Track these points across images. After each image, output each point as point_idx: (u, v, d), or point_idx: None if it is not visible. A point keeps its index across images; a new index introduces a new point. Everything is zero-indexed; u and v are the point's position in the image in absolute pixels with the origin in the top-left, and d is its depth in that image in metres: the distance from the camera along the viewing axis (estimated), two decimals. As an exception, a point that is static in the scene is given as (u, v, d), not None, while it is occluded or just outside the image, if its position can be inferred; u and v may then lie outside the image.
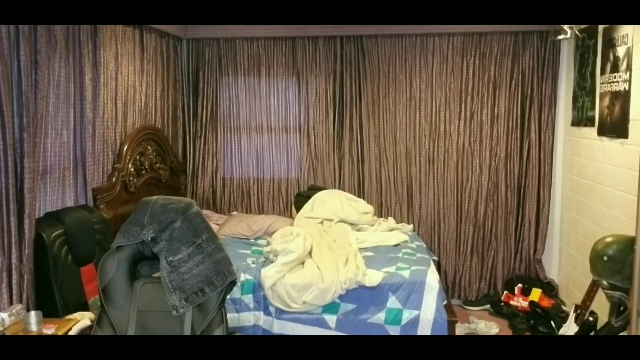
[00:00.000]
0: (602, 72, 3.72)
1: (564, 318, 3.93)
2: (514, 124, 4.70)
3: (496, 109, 4.71)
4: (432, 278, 3.43)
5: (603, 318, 3.03)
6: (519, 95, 4.67)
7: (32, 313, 2.42)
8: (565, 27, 4.04)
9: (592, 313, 3.37)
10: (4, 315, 2.40)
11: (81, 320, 2.60)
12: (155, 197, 2.34)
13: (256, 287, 3.43)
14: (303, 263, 3.59)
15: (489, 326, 4.22)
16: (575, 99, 4.26)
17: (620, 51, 3.44)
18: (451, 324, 3.36)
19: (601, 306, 3.26)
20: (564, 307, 4.31)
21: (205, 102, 4.96)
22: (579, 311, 3.51)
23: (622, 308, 2.72)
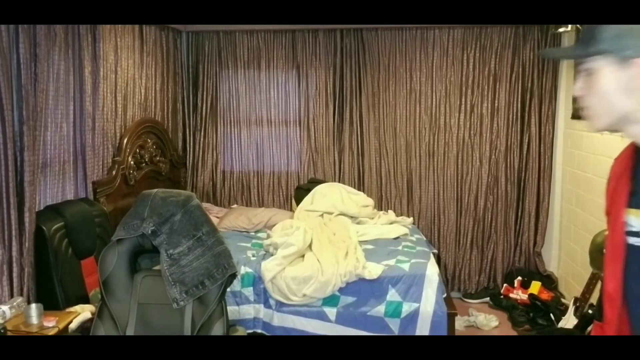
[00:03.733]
0: (603, 65, 3.71)
1: (563, 311, 3.94)
2: (514, 117, 4.69)
3: (496, 102, 4.70)
4: (432, 271, 3.43)
5: (602, 311, 3.03)
6: (520, 88, 4.66)
7: (33, 306, 2.43)
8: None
9: (592, 306, 3.38)
10: (5, 307, 2.40)
11: (82, 313, 2.60)
12: (155, 190, 2.34)
13: (256, 280, 3.44)
14: (303, 256, 3.59)
15: (488, 319, 4.23)
16: (575, 92, 4.24)
17: (621, 44, 3.42)
18: (451, 317, 3.37)
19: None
20: (563, 300, 4.32)
21: (205, 95, 4.95)
22: (578, 304, 3.52)
23: (621, 301, 2.73)
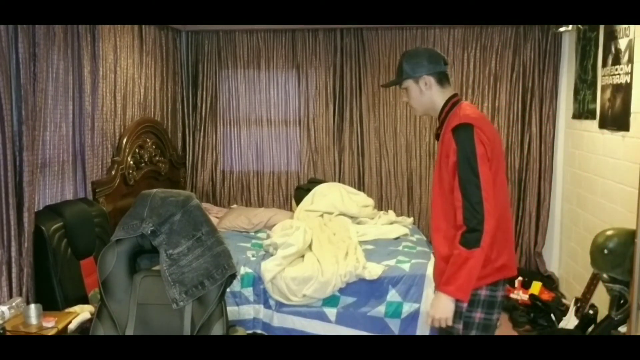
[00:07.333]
0: (604, 65, 3.70)
1: (564, 311, 3.93)
2: (515, 117, 4.69)
3: (497, 101, 4.69)
4: (433, 271, 3.42)
5: (603, 311, 3.03)
6: (520, 88, 4.66)
7: (32, 306, 2.42)
8: (567, 19, 4.03)
9: (592, 306, 3.37)
10: (4, 308, 2.39)
11: (81, 314, 2.60)
12: (154, 190, 2.33)
13: (256, 281, 3.43)
14: (303, 256, 3.58)
15: (488, 319, 4.21)
16: (576, 92, 4.24)
17: (622, 43, 3.42)
18: (451, 317, 3.35)
19: (601, 299, 3.27)
20: (564, 301, 4.31)
21: (204, 95, 4.95)
22: (579, 304, 3.51)
23: (622, 301, 2.72)
